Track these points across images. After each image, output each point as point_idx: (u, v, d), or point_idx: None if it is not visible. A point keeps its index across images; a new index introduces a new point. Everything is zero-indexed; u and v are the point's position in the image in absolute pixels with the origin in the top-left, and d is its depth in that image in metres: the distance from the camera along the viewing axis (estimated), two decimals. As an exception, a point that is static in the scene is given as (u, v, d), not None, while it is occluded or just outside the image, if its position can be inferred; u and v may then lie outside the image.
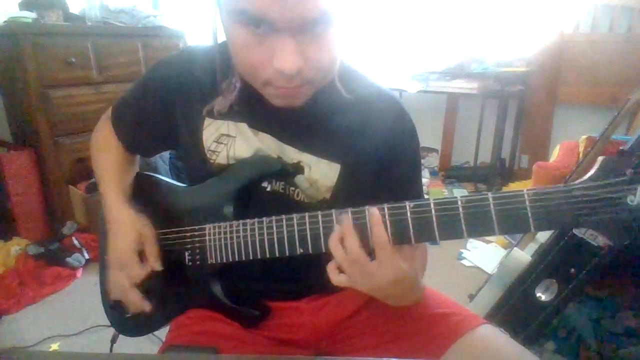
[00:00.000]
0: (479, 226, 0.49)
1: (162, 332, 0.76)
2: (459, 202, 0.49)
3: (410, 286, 0.56)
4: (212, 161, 0.68)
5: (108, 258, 0.68)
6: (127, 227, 0.67)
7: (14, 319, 1.64)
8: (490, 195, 0.48)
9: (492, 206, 0.48)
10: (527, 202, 0.46)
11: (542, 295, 1.11)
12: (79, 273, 1.92)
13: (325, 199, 0.67)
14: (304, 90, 0.54)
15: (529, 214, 0.46)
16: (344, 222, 0.53)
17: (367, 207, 0.52)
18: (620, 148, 0.46)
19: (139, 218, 0.68)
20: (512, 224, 0.48)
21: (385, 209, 0.52)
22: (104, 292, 0.82)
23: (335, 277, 0.54)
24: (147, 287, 0.74)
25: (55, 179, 2.06)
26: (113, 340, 1.04)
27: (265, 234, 0.59)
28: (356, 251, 0.51)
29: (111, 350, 1.08)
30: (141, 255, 0.67)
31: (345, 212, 0.54)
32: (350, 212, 0.53)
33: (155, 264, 0.66)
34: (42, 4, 2.01)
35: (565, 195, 0.45)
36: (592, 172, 0.45)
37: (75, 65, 1.98)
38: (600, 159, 0.45)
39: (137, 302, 0.66)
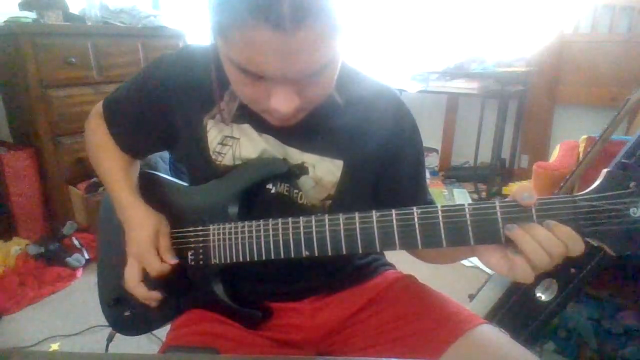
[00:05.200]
0: (486, 234, 0.49)
1: (162, 332, 0.76)
2: (466, 210, 0.50)
3: None
4: (218, 162, 0.67)
5: (127, 250, 0.68)
6: (146, 221, 0.67)
7: (14, 319, 1.64)
8: (497, 203, 0.49)
9: (499, 214, 0.48)
10: (533, 211, 0.47)
11: (542, 295, 1.11)
12: (79, 273, 1.91)
13: (330, 195, 0.67)
14: (301, 115, 0.56)
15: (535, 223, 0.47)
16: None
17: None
18: (623, 161, 0.48)
19: (155, 214, 0.69)
20: None
21: (393, 214, 0.53)
22: (103, 290, 0.82)
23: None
24: (148, 286, 0.74)
25: (55, 179, 2.06)
26: (109, 339, 1.04)
27: (271, 236, 0.59)
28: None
29: (107, 349, 1.08)
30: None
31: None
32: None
33: (170, 259, 0.65)
34: (42, 4, 2.01)
35: (571, 206, 0.47)
36: (597, 184, 0.47)
37: (75, 65, 1.98)
38: (604, 171, 0.47)
39: (145, 295, 0.66)
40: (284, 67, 0.46)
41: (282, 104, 0.50)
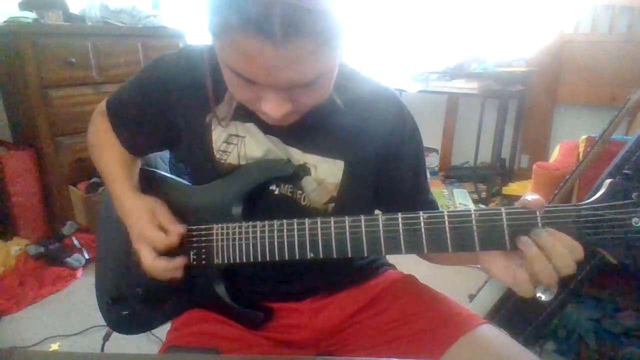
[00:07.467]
0: (491, 240, 0.50)
1: (162, 332, 0.76)
2: (473, 215, 0.50)
3: None
4: (222, 161, 0.67)
5: (132, 239, 0.68)
6: (138, 205, 0.67)
7: (14, 319, 1.64)
8: (503, 210, 0.49)
9: (505, 221, 0.49)
10: (538, 219, 0.48)
11: (542, 295, 1.11)
12: (79, 273, 1.92)
13: (333, 197, 0.67)
14: (295, 117, 0.56)
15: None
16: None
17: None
18: (625, 172, 0.49)
19: (145, 197, 0.69)
20: None
21: (400, 218, 0.53)
22: (101, 289, 0.82)
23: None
24: (148, 285, 0.74)
25: (55, 179, 2.06)
26: (105, 338, 1.03)
27: (276, 237, 0.59)
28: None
29: (103, 348, 1.07)
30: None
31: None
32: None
33: (176, 227, 0.64)
34: (42, 4, 2.01)
35: (575, 214, 0.48)
36: (600, 193, 0.48)
37: (75, 65, 1.98)
38: (607, 182, 0.48)
39: (169, 267, 0.64)
40: (272, 77, 0.46)
41: (272, 108, 0.50)
